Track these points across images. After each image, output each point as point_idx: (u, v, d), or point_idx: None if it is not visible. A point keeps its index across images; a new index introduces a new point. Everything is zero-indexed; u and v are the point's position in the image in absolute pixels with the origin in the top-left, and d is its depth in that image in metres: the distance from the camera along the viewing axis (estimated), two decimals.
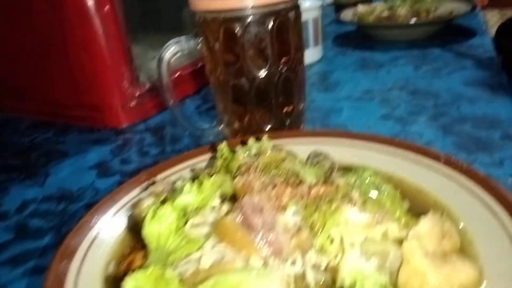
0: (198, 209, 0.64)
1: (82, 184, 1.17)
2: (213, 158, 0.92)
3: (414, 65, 1.67)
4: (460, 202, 0.74)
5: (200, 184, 0.64)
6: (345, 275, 0.56)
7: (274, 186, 0.64)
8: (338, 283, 0.57)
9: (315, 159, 0.91)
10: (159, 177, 0.91)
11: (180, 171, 0.93)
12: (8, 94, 1.69)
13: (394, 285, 0.58)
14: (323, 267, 0.60)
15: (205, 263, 0.58)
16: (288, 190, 0.63)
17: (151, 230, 0.60)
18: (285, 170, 0.72)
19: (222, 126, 1.17)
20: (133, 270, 0.63)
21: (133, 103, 1.48)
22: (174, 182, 0.78)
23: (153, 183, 0.80)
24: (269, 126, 1.09)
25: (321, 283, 0.60)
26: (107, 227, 0.77)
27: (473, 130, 1.19)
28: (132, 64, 1.43)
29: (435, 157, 0.85)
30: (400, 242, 0.62)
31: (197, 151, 0.99)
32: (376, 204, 0.63)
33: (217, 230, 0.60)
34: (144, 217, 0.65)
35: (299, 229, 0.62)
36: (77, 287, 0.63)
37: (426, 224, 0.62)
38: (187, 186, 0.63)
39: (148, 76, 1.51)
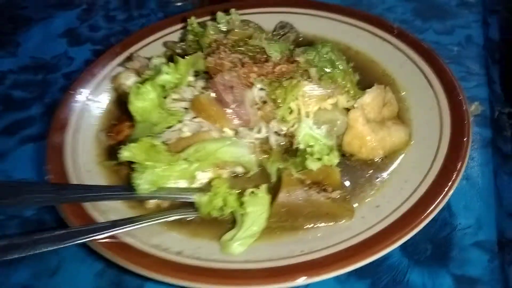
0: (175, 86, 0.72)
1: (55, 53, 1.20)
2: (183, 31, 0.96)
3: None
4: (405, 73, 0.85)
5: (176, 63, 0.71)
6: (300, 140, 0.69)
7: (243, 65, 0.72)
8: (294, 146, 0.70)
9: (280, 30, 0.97)
10: (133, 49, 0.95)
11: (152, 43, 0.98)
12: None
13: (339, 145, 0.72)
14: (283, 133, 0.73)
15: (186, 133, 0.69)
16: (255, 68, 0.72)
17: (136, 106, 0.69)
18: (252, 47, 0.79)
19: None
20: (123, 139, 0.74)
21: None
22: (150, 58, 0.84)
23: (130, 58, 0.85)
24: None
25: (281, 145, 0.73)
26: (92, 99, 0.85)
27: None
28: None
29: (389, 29, 0.92)
30: (347, 111, 0.74)
31: (167, 21, 1.02)
32: (330, 80, 0.73)
33: (194, 106, 0.70)
34: (128, 93, 0.74)
35: (264, 103, 0.72)
36: (75, 155, 0.74)
37: (370, 95, 0.73)
38: (165, 66, 0.70)
39: None
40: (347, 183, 0.69)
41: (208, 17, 1.00)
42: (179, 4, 1.21)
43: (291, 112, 0.72)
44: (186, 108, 0.72)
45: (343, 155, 0.72)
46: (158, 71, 0.70)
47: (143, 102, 0.69)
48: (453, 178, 0.62)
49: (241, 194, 0.64)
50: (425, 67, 0.83)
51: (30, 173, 0.87)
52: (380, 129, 0.72)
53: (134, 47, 0.96)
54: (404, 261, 0.67)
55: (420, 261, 0.67)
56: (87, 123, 0.81)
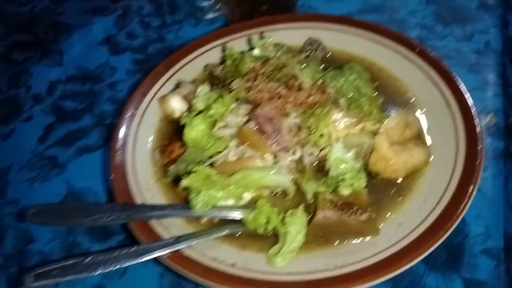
0: (222, 116, 0.83)
1: (98, 63, 1.30)
2: (222, 55, 1.05)
3: None
4: (424, 92, 0.94)
5: (223, 98, 0.81)
6: (331, 163, 0.80)
7: (279, 97, 0.82)
8: (326, 168, 0.80)
9: (309, 47, 1.05)
10: (176, 68, 1.05)
11: (192, 61, 1.07)
12: None
13: (366, 165, 0.82)
14: (315, 155, 0.83)
15: (232, 157, 0.80)
16: (291, 98, 0.81)
17: (189, 136, 0.80)
18: (287, 74, 0.88)
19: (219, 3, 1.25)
20: (175, 157, 0.86)
21: None
22: (193, 81, 0.94)
23: (178, 85, 0.96)
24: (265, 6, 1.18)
25: (313, 165, 0.84)
26: (144, 120, 0.96)
27: None
28: None
29: (411, 47, 1.00)
30: (373, 134, 0.83)
31: (204, 39, 1.11)
32: (358, 107, 0.83)
33: (239, 136, 0.80)
34: (175, 114, 0.85)
35: (299, 130, 0.82)
36: (135, 175, 0.86)
37: (393, 121, 0.83)
38: (214, 103, 0.80)
39: None
40: (372, 201, 0.79)
41: (242, 33, 1.09)
42: (210, 16, 1.29)
43: (322, 137, 0.82)
44: (231, 135, 0.83)
45: (369, 173, 0.83)
46: (207, 107, 0.81)
47: (195, 133, 0.80)
48: (465, 201, 0.73)
49: (281, 212, 0.76)
50: (444, 87, 0.91)
51: (90, 182, 1.00)
52: (403, 151, 0.81)
53: (176, 66, 1.05)
54: (421, 266, 0.78)
55: (435, 266, 0.78)
56: (142, 143, 0.92)
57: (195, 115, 0.80)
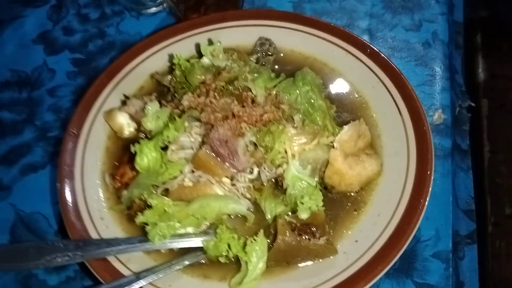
0: (174, 139, 0.79)
1: (34, 64, 1.19)
2: (170, 64, 0.99)
3: None
4: (376, 95, 0.94)
5: (174, 122, 0.78)
6: (288, 181, 0.80)
7: (234, 115, 0.80)
8: (284, 186, 0.80)
9: (260, 48, 1.02)
10: (119, 76, 0.99)
11: (137, 67, 1.01)
12: None
13: (321, 179, 0.83)
14: (272, 172, 0.83)
15: (188, 183, 0.78)
16: (245, 117, 0.79)
17: (141, 164, 0.77)
18: (239, 87, 0.85)
19: None
20: (127, 181, 0.83)
21: None
22: (143, 101, 0.89)
23: (124, 103, 0.90)
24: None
25: (272, 181, 0.83)
26: (91, 140, 0.91)
27: None
28: None
29: (362, 48, 0.98)
30: (328, 147, 0.83)
31: (148, 42, 1.04)
32: (312, 122, 0.82)
33: (194, 162, 0.78)
34: (124, 132, 0.85)
35: (255, 149, 0.81)
36: (88, 204, 0.83)
37: (347, 134, 0.83)
38: (165, 131, 0.77)
39: None
40: (329, 216, 0.81)
41: (187, 33, 1.03)
42: (154, 10, 1.21)
43: (279, 155, 0.81)
44: (185, 158, 0.80)
45: (325, 187, 0.83)
46: (158, 132, 0.77)
47: (147, 161, 0.76)
48: (418, 216, 0.75)
49: (242, 237, 0.76)
50: (395, 92, 0.91)
51: (39, 206, 0.96)
52: (356, 164, 0.82)
53: (119, 75, 0.99)
54: None
55: (389, 273, 0.82)
56: (91, 167, 0.88)
57: (146, 142, 0.76)
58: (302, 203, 0.74)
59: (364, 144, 0.86)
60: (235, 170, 0.79)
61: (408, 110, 0.89)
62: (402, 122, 0.88)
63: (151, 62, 1.02)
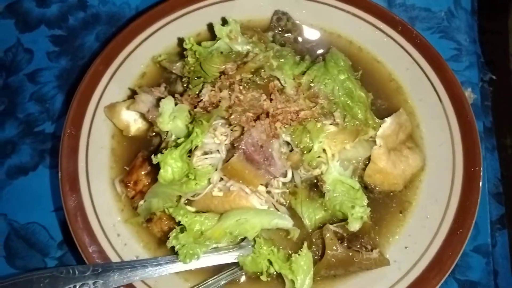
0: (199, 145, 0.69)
1: (6, 43, 1.01)
2: (179, 50, 0.85)
3: None
4: (411, 79, 0.85)
5: (200, 125, 0.66)
6: (329, 185, 0.71)
7: (266, 115, 0.69)
8: (322, 189, 0.72)
9: (278, 23, 0.90)
10: (118, 61, 0.85)
11: (136, 49, 0.87)
12: None
13: (360, 177, 0.75)
14: (309, 174, 0.74)
15: (217, 193, 0.69)
16: (280, 117, 0.69)
17: (165, 176, 0.66)
18: (266, 78, 0.74)
19: None
20: (142, 189, 0.72)
21: None
22: (153, 95, 0.76)
23: (133, 98, 0.77)
24: None
25: (307, 183, 0.75)
26: (93, 141, 0.79)
27: None
28: None
29: (392, 24, 0.88)
30: (368, 142, 0.75)
31: (144, 20, 0.89)
32: (353, 118, 0.73)
33: (227, 171, 0.68)
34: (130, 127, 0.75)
35: (291, 151, 0.72)
36: (101, 220, 0.72)
37: (390, 128, 0.75)
38: (193, 135, 0.65)
39: None
40: (374, 220, 0.74)
41: (189, 8, 0.89)
42: None
43: (316, 155, 0.72)
44: (212, 164, 0.70)
45: (365, 187, 0.76)
46: (183, 141, 0.66)
47: (171, 173, 0.66)
48: (471, 212, 0.70)
49: (282, 250, 0.68)
50: (433, 76, 0.83)
51: (35, 215, 0.84)
52: (400, 161, 0.75)
53: (117, 60, 0.85)
54: None
55: None
56: (97, 175, 0.76)
57: (170, 152, 0.65)
58: (352, 214, 0.67)
59: (406, 135, 0.79)
60: (271, 177, 0.70)
61: (449, 96, 0.81)
62: (443, 110, 0.80)
63: (152, 43, 0.87)
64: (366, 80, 0.85)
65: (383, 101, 0.84)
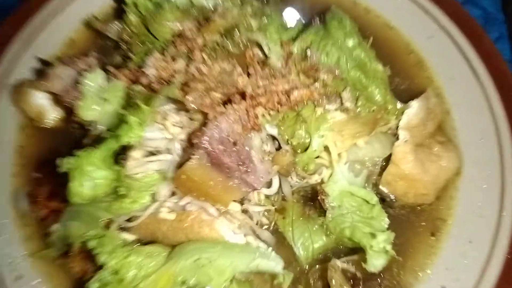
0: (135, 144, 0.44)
1: None
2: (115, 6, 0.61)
3: None
4: (436, 50, 0.64)
5: (138, 111, 0.42)
6: (334, 199, 0.49)
7: (242, 95, 0.46)
8: (325, 207, 0.50)
9: None
10: (30, 29, 0.60)
11: (64, 10, 0.62)
12: None
13: (376, 185, 0.53)
14: (303, 182, 0.51)
15: (166, 214, 0.45)
16: (262, 98, 0.46)
17: (79, 192, 0.42)
18: (241, 43, 0.51)
19: None
20: (55, 208, 0.49)
21: None
22: (76, 67, 0.52)
23: (44, 76, 0.52)
24: None
25: (299, 195, 0.53)
26: None
27: None
28: None
29: None
30: (387, 136, 0.53)
31: None
32: (368, 101, 0.50)
33: (181, 182, 0.43)
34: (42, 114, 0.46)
35: (278, 150, 0.48)
36: None
37: (417, 114, 0.53)
38: (123, 127, 0.41)
39: None
40: (396, 248, 0.51)
41: None
42: None
43: (316, 154, 0.49)
44: (159, 171, 0.46)
45: (382, 199, 0.54)
46: (109, 135, 0.42)
47: (90, 188, 0.41)
48: None
49: None
50: (466, 46, 0.61)
51: None
52: (430, 160, 0.53)
53: (35, 22, 0.60)
54: None
55: None
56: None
57: (87, 154, 0.41)
58: (371, 246, 0.44)
59: (435, 126, 0.57)
60: (248, 189, 0.46)
61: (490, 72, 0.59)
62: (482, 91, 0.59)
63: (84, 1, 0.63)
64: (377, 53, 0.62)
65: (402, 79, 0.62)
